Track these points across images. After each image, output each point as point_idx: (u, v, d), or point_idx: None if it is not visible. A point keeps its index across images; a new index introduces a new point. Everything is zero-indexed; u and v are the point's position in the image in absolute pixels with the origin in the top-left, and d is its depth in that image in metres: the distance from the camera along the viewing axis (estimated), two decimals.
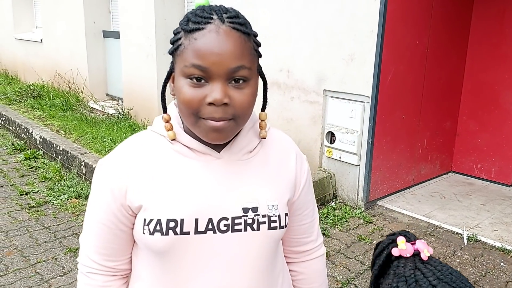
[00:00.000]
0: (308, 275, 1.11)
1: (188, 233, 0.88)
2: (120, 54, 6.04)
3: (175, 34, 0.87)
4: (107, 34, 6.70)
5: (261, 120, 0.97)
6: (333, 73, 3.68)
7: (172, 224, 0.87)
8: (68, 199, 3.82)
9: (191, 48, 0.82)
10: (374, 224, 3.43)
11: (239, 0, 4.19)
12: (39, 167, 4.57)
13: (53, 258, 2.94)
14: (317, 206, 1.14)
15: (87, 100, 6.69)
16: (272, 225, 0.92)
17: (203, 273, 0.90)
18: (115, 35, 6.39)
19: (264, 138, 0.97)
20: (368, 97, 3.46)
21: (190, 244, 0.88)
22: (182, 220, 0.87)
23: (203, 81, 0.82)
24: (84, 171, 4.17)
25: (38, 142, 5.00)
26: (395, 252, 0.85)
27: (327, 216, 3.50)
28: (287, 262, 1.10)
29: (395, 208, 3.68)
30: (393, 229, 3.35)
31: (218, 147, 0.93)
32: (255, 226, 0.91)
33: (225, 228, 0.89)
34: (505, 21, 3.92)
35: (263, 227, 0.92)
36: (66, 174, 4.31)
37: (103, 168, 0.94)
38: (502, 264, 2.90)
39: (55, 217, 3.52)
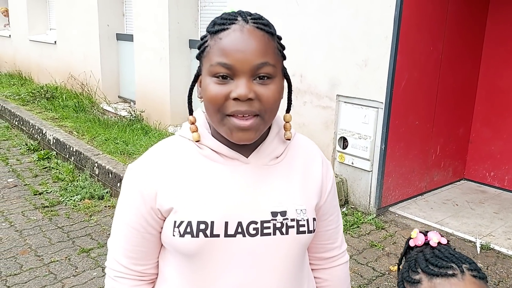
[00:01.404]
0: (333, 282, 1.11)
1: (218, 235, 0.88)
2: (133, 57, 6.09)
3: (202, 39, 0.89)
4: (120, 37, 6.76)
5: (286, 122, 0.98)
6: (346, 78, 3.68)
7: (202, 226, 0.88)
8: (81, 200, 3.85)
9: (216, 47, 0.84)
10: (386, 231, 3.41)
11: (252, 4, 4.22)
12: (52, 168, 4.61)
13: (66, 258, 2.96)
14: (341, 217, 1.14)
15: (99, 102, 6.75)
16: (301, 229, 0.93)
17: (231, 275, 0.91)
18: (129, 38, 6.44)
19: (289, 139, 0.98)
20: (382, 102, 3.45)
21: (220, 247, 0.89)
22: (212, 223, 0.88)
23: (228, 78, 0.84)
24: (97, 172, 4.21)
25: (51, 143, 5.05)
26: (410, 242, 0.94)
27: None
28: (312, 269, 1.10)
29: (407, 215, 3.66)
30: (405, 236, 3.33)
31: (245, 152, 0.94)
32: (284, 230, 0.92)
33: (254, 232, 0.90)
34: None
35: (292, 231, 0.92)
36: (79, 175, 4.35)
37: (133, 172, 0.95)
38: None
39: (68, 217, 3.55)
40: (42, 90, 7.22)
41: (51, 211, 3.66)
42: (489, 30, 4.09)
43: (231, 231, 0.89)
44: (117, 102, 6.83)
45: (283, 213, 0.92)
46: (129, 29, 6.63)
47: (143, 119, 5.88)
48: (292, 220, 0.92)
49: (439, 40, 3.69)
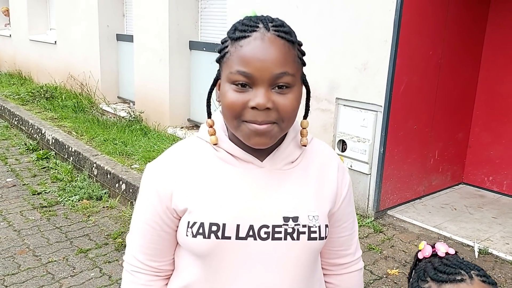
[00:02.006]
0: None
1: (229, 238, 0.90)
2: (133, 57, 6.09)
3: (222, 43, 0.89)
4: (120, 37, 6.77)
5: (303, 128, 0.99)
6: (346, 82, 3.69)
7: (214, 228, 0.89)
8: (79, 200, 3.85)
9: (236, 55, 0.84)
10: (384, 234, 3.41)
11: (252, 7, 4.23)
12: (51, 168, 4.61)
13: (64, 258, 2.96)
14: (357, 224, 1.14)
15: (99, 102, 6.75)
16: (312, 235, 0.93)
17: (241, 278, 0.92)
18: (129, 38, 6.45)
19: (305, 145, 0.99)
20: (381, 106, 3.46)
21: (231, 249, 0.90)
22: (224, 225, 0.90)
23: (247, 86, 0.84)
24: (95, 173, 4.21)
25: (50, 143, 5.05)
26: (419, 255, 0.95)
27: None
28: (324, 274, 1.10)
29: (406, 219, 3.66)
30: (403, 239, 3.34)
31: (260, 156, 0.94)
32: (295, 235, 0.92)
33: (265, 236, 0.91)
34: None
35: (303, 237, 0.93)
36: (78, 175, 4.35)
37: (150, 171, 0.98)
38: None
39: (66, 218, 3.55)
40: (41, 90, 7.23)
41: (50, 211, 3.66)
42: (489, 35, 4.11)
43: (242, 234, 0.90)
44: (116, 103, 6.83)
45: (295, 219, 0.92)
46: (129, 30, 6.64)
47: (142, 120, 5.88)
48: (304, 226, 0.93)
49: (438, 44, 3.70)
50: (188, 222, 0.92)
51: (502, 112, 4.09)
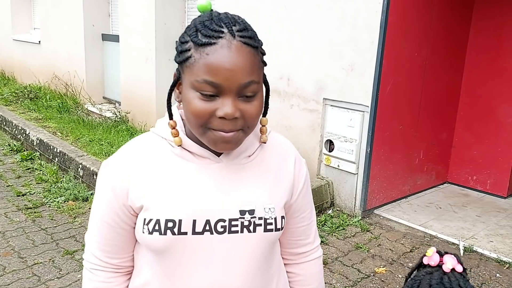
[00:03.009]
0: (305, 277, 1.13)
1: (185, 233, 0.91)
2: (119, 57, 6.04)
3: (182, 42, 0.87)
4: (106, 37, 6.71)
5: (262, 125, 0.99)
6: (333, 82, 3.72)
7: (170, 224, 0.90)
8: (65, 201, 3.80)
9: (202, 63, 0.83)
10: (371, 233, 3.45)
11: (241, 7, 4.23)
12: (35, 169, 4.55)
13: (50, 259, 2.92)
14: (315, 214, 1.16)
15: (84, 102, 6.68)
16: (268, 227, 0.95)
17: (200, 272, 0.94)
18: (114, 38, 6.39)
19: (265, 143, 1.00)
20: (368, 106, 3.50)
21: (188, 244, 0.92)
22: (180, 221, 0.90)
23: (214, 96, 0.84)
24: (81, 174, 4.16)
25: (35, 144, 4.98)
26: (424, 260, 0.91)
27: (324, 224, 3.52)
28: (284, 264, 1.13)
29: (392, 217, 3.70)
30: (390, 238, 3.38)
31: (218, 152, 0.95)
32: (251, 228, 0.94)
33: (222, 230, 0.93)
34: (503, 35, 3.99)
35: (259, 229, 0.95)
36: (63, 176, 4.29)
37: (107, 168, 0.97)
38: (498, 275, 2.93)
39: (52, 219, 3.50)
40: (25, 90, 7.12)
41: (35, 212, 3.61)
42: (472, 38, 4.19)
43: (199, 229, 0.91)
44: (101, 103, 6.76)
45: (251, 212, 0.94)
46: (115, 29, 6.58)
47: (128, 120, 5.83)
48: (260, 218, 0.95)
49: (423, 46, 3.76)
50: (144, 219, 0.92)
51: (485, 113, 4.18)
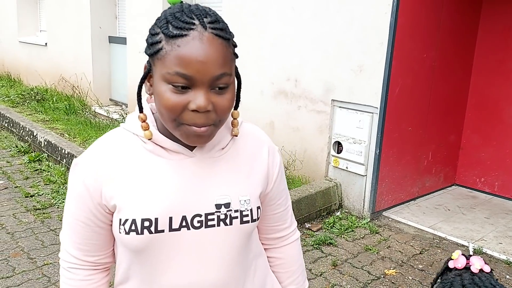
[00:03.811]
0: (286, 260, 1.16)
1: (162, 231, 0.90)
2: (126, 59, 6.06)
3: (152, 34, 0.87)
4: (112, 39, 6.73)
5: (234, 118, 0.99)
6: (341, 84, 3.72)
7: (146, 223, 0.89)
8: None
9: (174, 55, 0.82)
10: (380, 235, 3.44)
11: (248, 9, 4.24)
12: (43, 170, 4.56)
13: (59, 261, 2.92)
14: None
15: (91, 104, 6.70)
16: (245, 219, 0.96)
17: (179, 267, 0.94)
18: (121, 40, 6.42)
19: (236, 135, 1.00)
20: (377, 108, 3.49)
21: (165, 241, 0.91)
22: (156, 220, 0.90)
23: (186, 88, 0.84)
24: None
25: (42, 145, 5.00)
26: (450, 264, 0.91)
27: (333, 226, 3.51)
28: (265, 249, 1.14)
29: (401, 219, 3.69)
30: (399, 240, 3.37)
31: (191, 146, 0.95)
32: (228, 221, 0.94)
33: (198, 224, 0.93)
34: (511, 37, 3.98)
35: (236, 222, 0.95)
36: None
37: (77, 167, 0.94)
38: (508, 276, 2.92)
39: (60, 220, 3.51)
40: (32, 92, 7.14)
41: (43, 213, 3.62)
42: (480, 39, 4.18)
43: (175, 225, 0.91)
44: (108, 105, 6.78)
45: (227, 205, 0.95)
46: (122, 31, 6.61)
47: None
48: (236, 211, 0.95)
49: (432, 48, 3.75)
50: (120, 220, 0.91)
51: (492, 115, 4.17)
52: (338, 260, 3.03)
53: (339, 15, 3.67)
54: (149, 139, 0.92)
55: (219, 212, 0.94)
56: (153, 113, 0.97)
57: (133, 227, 0.89)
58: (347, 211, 3.81)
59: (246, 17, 4.24)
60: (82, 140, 5.04)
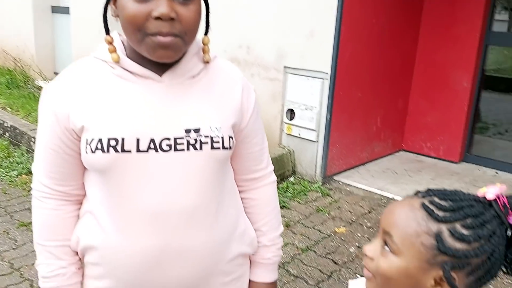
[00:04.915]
0: (261, 201, 1.16)
1: (129, 151, 0.91)
2: (70, 30, 5.78)
3: None
4: (55, 9, 6.39)
5: (204, 45, 1.00)
6: (293, 50, 3.72)
7: (113, 142, 0.90)
8: (17, 176, 3.64)
9: None
10: (331, 197, 3.53)
11: None
12: None
13: (4, 231, 2.81)
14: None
15: (34, 78, 6.37)
16: (215, 145, 0.96)
17: (148, 190, 0.93)
18: (64, 10, 6.10)
19: (208, 62, 1.00)
20: (327, 73, 3.53)
21: (133, 162, 0.92)
22: (123, 139, 0.90)
23: None
24: (33, 148, 3.98)
25: None
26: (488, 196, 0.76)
27: (286, 190, 3.56)
28: (240, 191, 1.14)
29: (351, 183, 3.80)
30: (349, 201, 3.47)
31: (160, 72, 0.95)
32: (197, 146, 0.95)
33: (167, 148, 0.93)
34: (457, 2, 4.08)
35: (206, 147, 0.95)
36: (15, 151, 4.10)
37: (47, 94, 0.97)
38: None
39: (4, 193, 3.36)
40: None
41: None
42: (428, 5, 4.27)
43: (143, 147, 0.91)
44: (52, 78, 6.45)
45: (197, 130, 0.95)
46: (65, 0, 6.28)
47: None
48: (206, 136, 0.95)
49: (380, 13, 3.81)
50: (87, 140, 0.92)
51: (439, 80, 4.31)
52: (290, 221, 3.09)
53: None
54: (116, 62, 0.93)
55: (189, 136, 0.93)
56: (123, 41, 0.97)
57: (99, 146, 0.90)
58: (300, 176, 3.88)
59: None
60: (25, 113, 4.80)
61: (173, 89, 0.95)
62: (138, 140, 0.91)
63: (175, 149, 0.93)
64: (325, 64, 3.53)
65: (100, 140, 0.90)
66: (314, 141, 3.75)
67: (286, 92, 3.86)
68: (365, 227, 3.07)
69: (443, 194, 0.77)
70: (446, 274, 0.72)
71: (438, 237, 0.71)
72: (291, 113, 3.85)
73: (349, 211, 3.30)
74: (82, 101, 0.93)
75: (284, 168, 3.82)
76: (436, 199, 0.75)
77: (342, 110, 3.72)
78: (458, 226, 0.72)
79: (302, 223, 3.07)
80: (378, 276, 0.76)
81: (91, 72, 0.95)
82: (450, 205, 0.73)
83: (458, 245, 0.71)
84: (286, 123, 3.90)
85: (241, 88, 1.04)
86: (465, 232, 0.71)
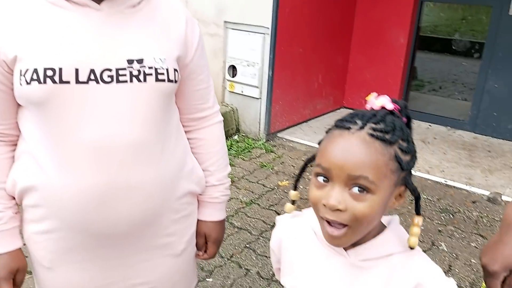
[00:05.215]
0: (208, 140, 1.15)
1: (68, 82, 0.86)
2: None
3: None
4: None
5: None
6: (233, 4, 3.63)
7: (50, 72, 0.85)
8: None
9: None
10: (275, 153, 3.57)
11: None
12: None
13: None
14: (212, 80, 1.17)
15: None
16: (160, 77, 0.93)
17: (89, 123, 0.89)
18: None
19: None
20: (268, 28, 3.49)
21: (72, 94, 0.87)
22: (60, 69, 0.86)
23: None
24: None
25: None
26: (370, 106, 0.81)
27: (230, 148, 3.56)
28: (187, 131, 1.12)
29: (294, 139, 3.86)
30: (292, 156, 3.53)
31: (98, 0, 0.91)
32: (141, 77, 0.91)
33: (109, 79, 0.89)
34: None
35: (150, 79, 0.92)
36: None
37: None
38: None
39: None
40: None
41: None
42: None
43: (82, 78, 0.87)
44: None
45: (140, 61, 0.91)
46: None
47: None
48: (150, 68, 0.91)
49: None
50: (20, 71, 0.86)
51: (376, 37, 4.40)
52: (235, 177, 3.10)
53: None
54: None
55: (132, 67, 0.89)
56: None
57: (34, 76, 0.84)
58: (244, 134, 3.88)
59: None
60: None
61: (113, 17, 0.90)
62: (77, 70, 0.86)
63: (118, 81, 0.88)
64: (266, 18, 3.48)
65: (35, 70, 0.84)
66: (257, 98, 3.74)
67: (227, 48, 3.79)
68: (307, 180, 3.13)
69: (367, 117, 0.76)
70: (409, 186, 0.77)
71: (397, 158, 0.74)
72: (233, 69, 3.79)
73: (292, 165, 3.36)
74: (13, 30, 0.86)
75: (228, 127, 3.79)
76: (373, 125, 0.75)
77: (284, 67, 3.72)
78: (400, 141, 0.75)
79: (246, 179, 3.10)
80: (357, 223, 0.74)
81: (22, 2, 0.89)
82: (386, 126, 0.75)
83: (407, 158, 0.76)
84: (228, 80, 3.85)
85: (185, 21, 1.01)
86: (405, 144, 0.75)
